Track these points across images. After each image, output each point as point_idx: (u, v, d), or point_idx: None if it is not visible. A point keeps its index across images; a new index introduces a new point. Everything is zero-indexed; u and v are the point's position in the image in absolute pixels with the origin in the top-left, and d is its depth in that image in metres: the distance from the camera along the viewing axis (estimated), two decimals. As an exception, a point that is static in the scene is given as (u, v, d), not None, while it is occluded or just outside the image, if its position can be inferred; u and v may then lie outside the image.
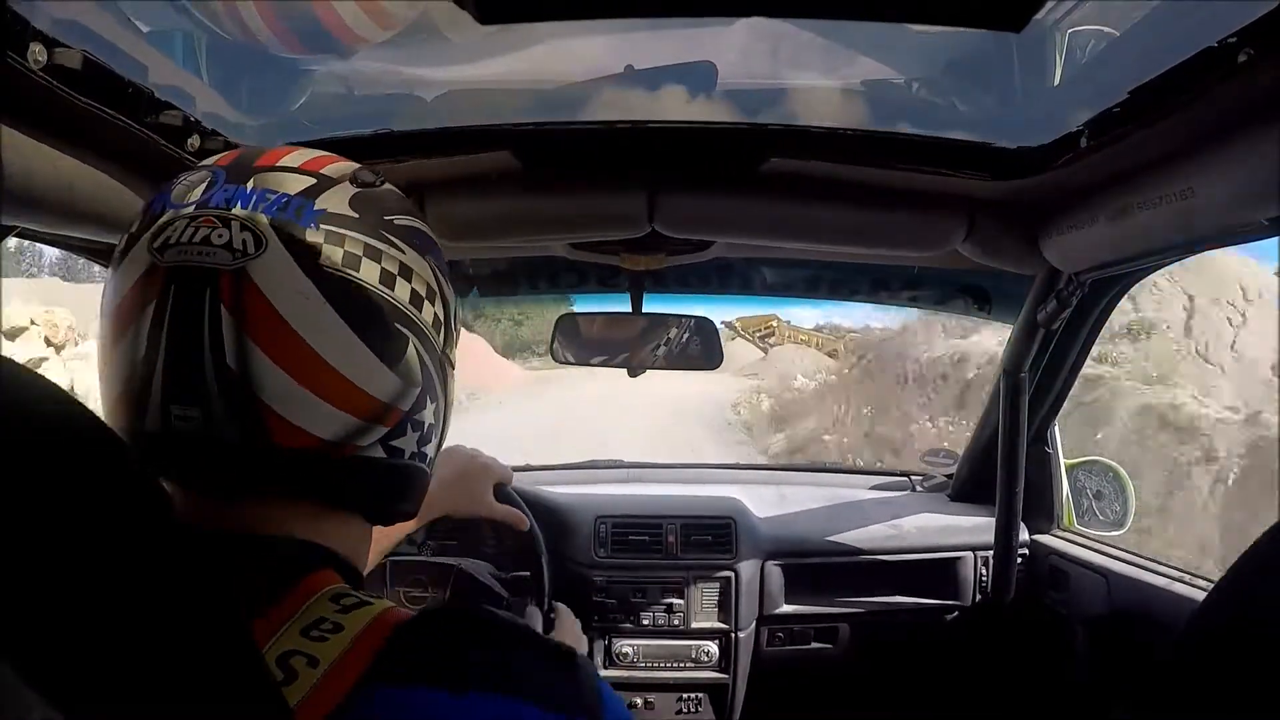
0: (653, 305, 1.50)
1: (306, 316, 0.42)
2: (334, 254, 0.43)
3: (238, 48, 1.06)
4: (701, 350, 1.49)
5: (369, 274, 0.44)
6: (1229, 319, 7.36)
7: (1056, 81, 1.01)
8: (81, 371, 7.67)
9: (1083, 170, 0.94)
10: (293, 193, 0.44)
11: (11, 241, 0.78)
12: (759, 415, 13.35)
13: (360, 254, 0.44)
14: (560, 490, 1.64)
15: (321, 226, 0.44)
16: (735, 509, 1.59)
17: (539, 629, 0.94)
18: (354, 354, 0.43)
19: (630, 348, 1.51)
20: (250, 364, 0.41)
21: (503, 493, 1.00)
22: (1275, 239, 0.85)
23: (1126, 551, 1.41)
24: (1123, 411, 6.31)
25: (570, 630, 1.00)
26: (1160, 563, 1.33)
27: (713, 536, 1.54)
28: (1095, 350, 1.51)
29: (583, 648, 0.95)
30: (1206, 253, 1.01)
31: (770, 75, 1.13)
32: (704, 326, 1.49)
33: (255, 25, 1.01)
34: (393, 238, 0.47)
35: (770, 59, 1.08)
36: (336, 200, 0.45)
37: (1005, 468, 1.44)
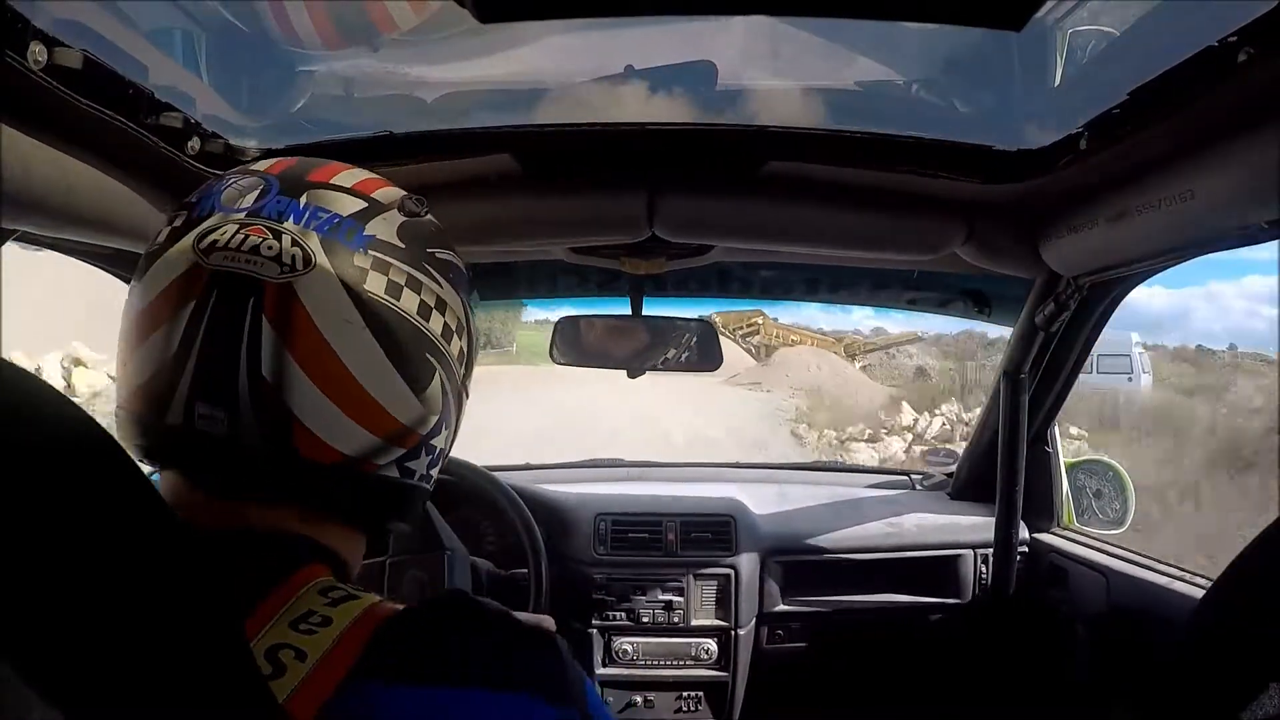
0: (652, 308, 1.51)
1: (345, 337, 0.43)
2: (378, 281, 0.45)
3: (239, 49, 1.06)
4: (700, 353, 1.49)
5: (408, 304, 0.46)
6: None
7: (1057, 82, 1.01)
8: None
9: (1082, 172, 0.94)
10: (345, 214, 0.45)
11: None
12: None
13: (402, 284, 0.46)
14: (560, 489, 1.65)
15: (370, 253, 0.45)
16: (735, 507, 1.59)
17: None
18: (385, 378, 0.45)
19: (630, 350, 1.51)
20: (285, 376, 0.42)
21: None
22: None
23: (1126, 550, 1.41)
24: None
25: None
26: (1160, 561, 1.33)
27: (712, 534, 1.54)
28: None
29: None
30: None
31: (770, 75, 1.13)
32: (703, 329, 1.49)
33: (301, 24, 1.02)
34: (433, 270, 0.48)
35: (770, 59, 1.08)
36: (385, 228, 0.47)
37: (1005, 467, 1.45)
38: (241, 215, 0.44)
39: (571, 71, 1.11)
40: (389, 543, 1.17)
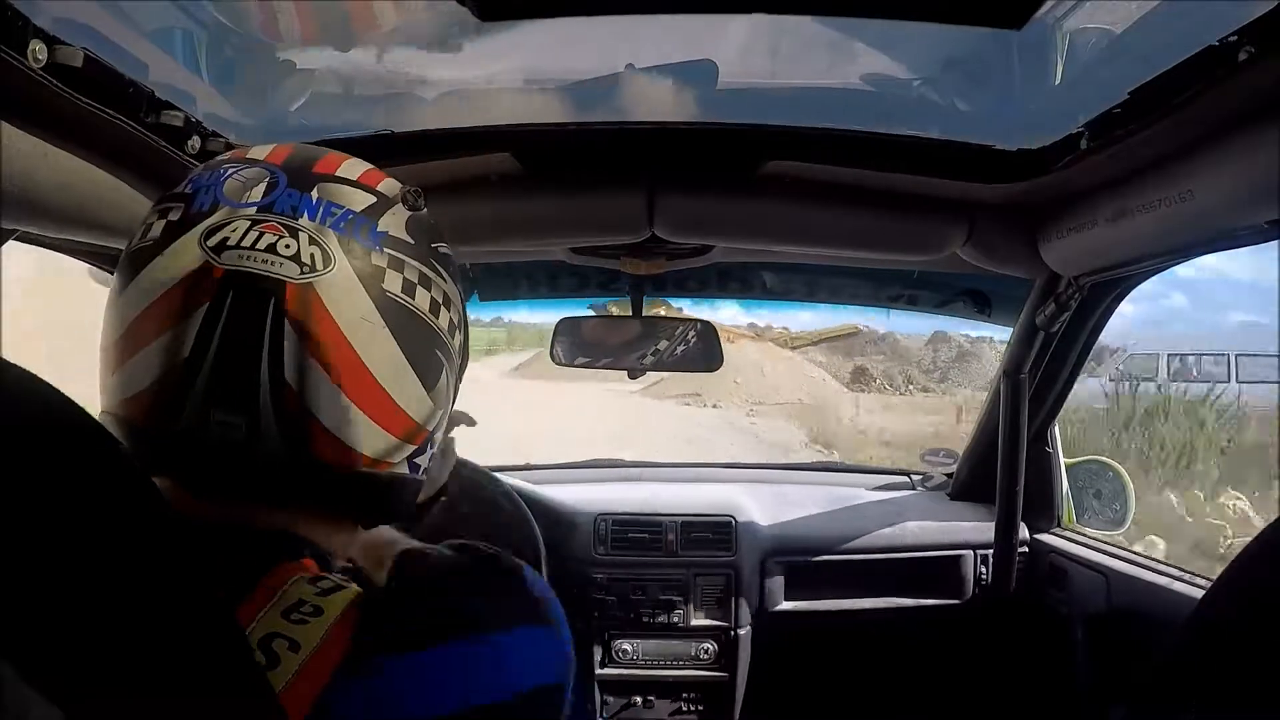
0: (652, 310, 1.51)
1: (366, 339, 0.42)
2: (395, 280, 0.44)
3: (239, 47, 1.06)
4: (701, 354, 1.50)
5: (422, 301, 0.45)
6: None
7: (1057, 82, 1.01)
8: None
9: (1083, 172, 0.94)
10: (357, 209, 0.44)
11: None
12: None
13: (416, 281, 0.45)
14: (560, 489, 1.65)
15: (385, 250, 0.44)
16: (735, 507, 1.59)
17: None
18: (402, 377, 0.44)
19: (630, 351, 1.51)
20: (308, 380, 0.41)
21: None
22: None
23: (1126, 550, 1.41)
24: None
25: None
26: (1160, 561, 1.33)
27: (712, 534, 1.54)
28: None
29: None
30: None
31: (771, 74, 1.13)
32: (704, 330, 1.49)
33: (287, 25, 1.01)
34: (438, 265, 0.48)
35: (771, 57, 1.08)
36: (395, 223, 0.46)
37: (1005, 468, 1.45)
38: (252, 211, 0.42)
39: (571, 70, 1.11)
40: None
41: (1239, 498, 5.64)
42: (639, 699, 1.55)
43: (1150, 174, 0.87)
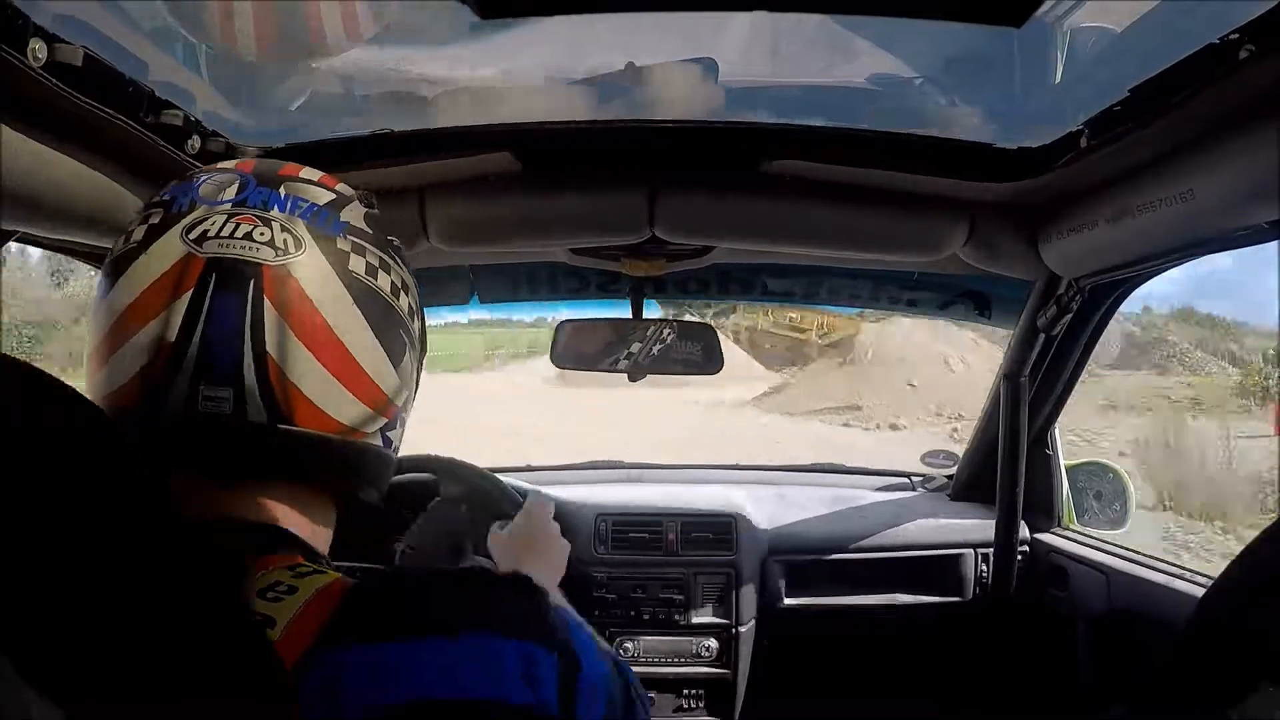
0: (653, 311, 1.51)
1: (339, 314, 0.47)
2: (359, 262, 0.49)
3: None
4: (702, 356, 1.49)
5: (384, 283, 0.50)
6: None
7: (1057, 80, 1.01)
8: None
9: (1083, 172, 0.94)
10: (320, 203, 0.49)
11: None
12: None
13: (377, 265, 0.50)
14: (560, 489, 1.65)
15: (348, 237, 0.49)
16: (736, 507, 1.59)
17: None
18: (372, 350, 0.49)
19: (630, 353, 1.51)
20: (288, 352, 0.45)
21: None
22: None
23: (1127, 549, 1.41)
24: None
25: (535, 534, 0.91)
26: (1160, 560, 1.33)
27: (713, 534, 1.54)
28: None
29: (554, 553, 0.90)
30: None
31: (772, 72, 1.13)
32: (705, 332, 1.49)
33: (244, 30, 1.01)
34: (395, 255, 0.53)
35: (772, 56, 1.08)
36: (355, 215, 0.51)
37: (1006, 471, 1.44)
38: (227, 206, 0.46)
39: (572, 69, 1.11)
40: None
41: None
42: None
43: (1150, 173, 0.87)
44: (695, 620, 1.52)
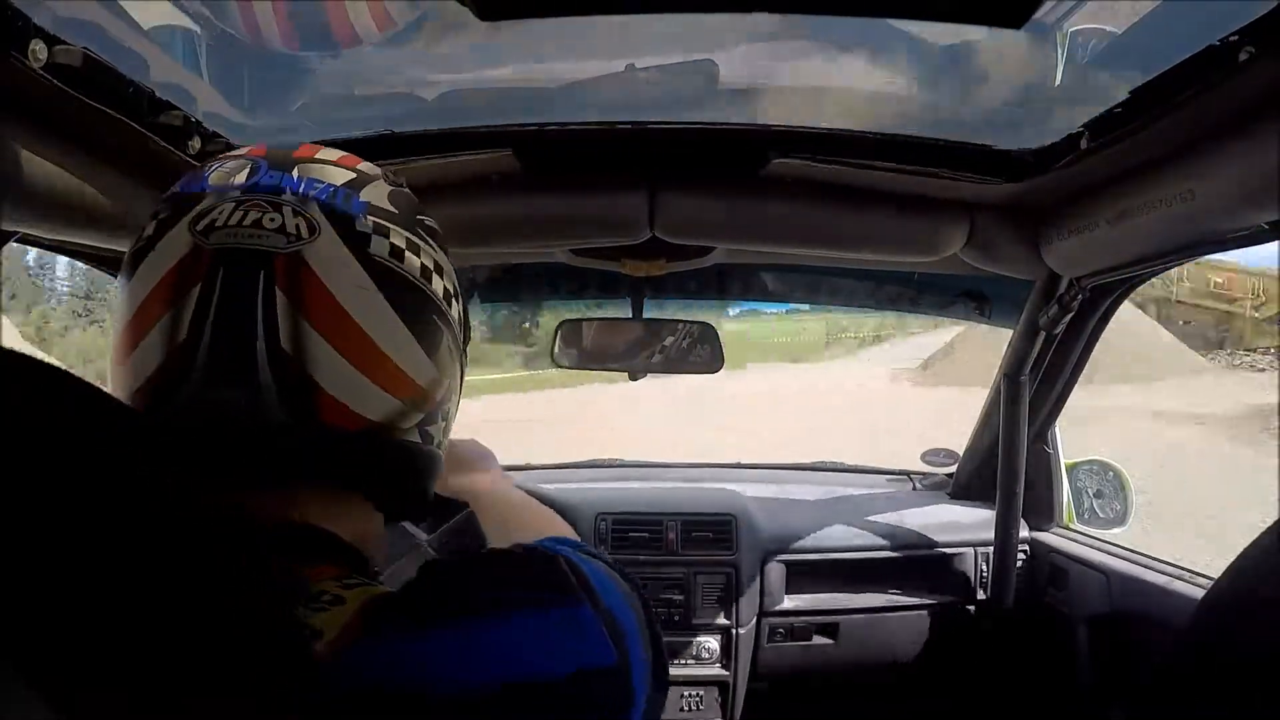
0: (653, 312, 1.51)
1: (359, 301, 0.43)
2: (381, 245, 0.45)
3: (239, 47, 1.06)
4: (702, 356, 1.50)
5: (411, 266, 0.46)
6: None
7: (1057, 82, 1.01)
8: None
9: (1083, 172, 0.94)
10: (338, 183, 0.45)
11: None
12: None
13: (404, 247, 0.46)
14: (560, 488, 1.65)
15: (369, 218, 0.45)
16: (736, 506, 1.59)
17: None
18: (401, 340, 0.45)
19: (631, 352, 1.51)
20: (304, 344, 0.41)
21: None
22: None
23: (1127, 550, 1.41)
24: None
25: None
26: (1160, 561, 1.33)
27: (713, 533, 1.54)
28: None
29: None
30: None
31: (771, 74, 1.13)
32: (705, 331, 1.49)
33: (264, 22, 1.01)
34: (425, 235, 0.48)
35: (771, 57, 1.08)
36: (377, 194, 0.47)
37: (1005, 470, 1.45)
38: (236, 193, 0.43)
39: (572, 70, 1.11)
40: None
41: None
42: None
43: (1151, 174, 0.87)
44: (696, 621, 1.52)
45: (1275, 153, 0.69)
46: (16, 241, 0.78)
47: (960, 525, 1.61)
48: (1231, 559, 0.46)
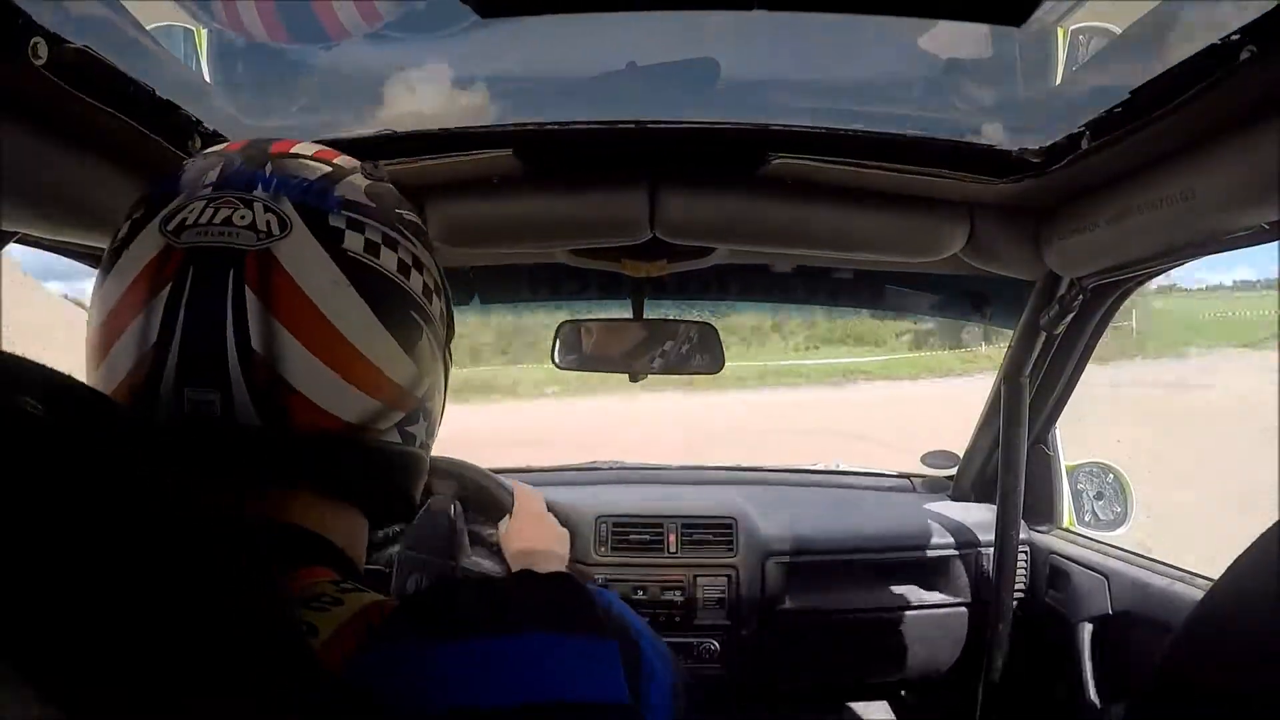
0: (653, 312, 1.51)
1: (332, 299, 0.42)
2: (356, 240, 0.44)
3: (239, 47, 1.06)
4: (703, 356, 1.49)
5: (388, 262, 0.45)
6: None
7: (1057, 81, 1.01)
8: None
9: (1084, 172, 0.94)
10: (312, 178, 0.44)
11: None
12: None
13: (380, 242, 0.45)
14: (560, 491, 1.64)
15: (343, 213, 0.44)
16: (736, 508, 1.59)
17: None
18: (376, 338, 0.44)
19: (632, 354, 1.51)
20: (276, 345, 0.41)
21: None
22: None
23: (1127, 551, 1.41)
24: None
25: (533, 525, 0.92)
26: (1161, 563, 1.33)
27: (713, 535, 1.54)
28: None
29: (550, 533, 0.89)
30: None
31: (772, 73, 1.13)
32: (706, 332, 1.49)
33: (250, 18, 1.01)
34: (405, 230, 0.48)
35: (772, 56, 1.08)
36: (354, 189, 0.46)
37: (1005, 472, 1.44)
38: (208, 191, 0.42)
39: (573, 68, 1.11)
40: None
41: None
42: None
43: (1151, 174, 0.87)
44: (697, 622, 1.52)
45: (1276, 153, 0.69)
46: (16, 242, 0.78)
47: (960, 527, 1.60)
48: None
